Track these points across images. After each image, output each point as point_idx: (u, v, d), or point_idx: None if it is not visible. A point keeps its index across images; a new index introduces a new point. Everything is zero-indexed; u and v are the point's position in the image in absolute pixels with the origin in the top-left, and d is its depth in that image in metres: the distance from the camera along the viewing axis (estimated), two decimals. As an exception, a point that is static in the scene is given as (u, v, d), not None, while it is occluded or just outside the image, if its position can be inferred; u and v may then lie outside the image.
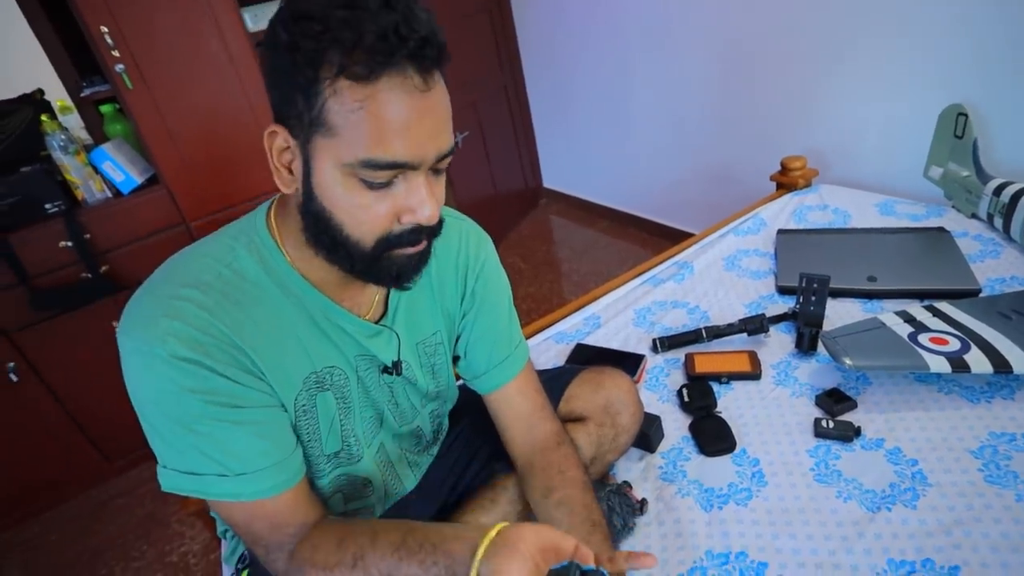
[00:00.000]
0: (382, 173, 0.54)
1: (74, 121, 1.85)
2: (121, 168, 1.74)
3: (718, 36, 2.01)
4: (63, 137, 1.64)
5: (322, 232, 0.58)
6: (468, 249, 0.79)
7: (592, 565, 0.54)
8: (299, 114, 0.53)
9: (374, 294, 0.71)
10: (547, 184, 3.28)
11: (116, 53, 1.60)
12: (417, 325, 0.76)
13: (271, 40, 0.53)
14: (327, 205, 0.56)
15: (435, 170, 0.58)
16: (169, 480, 0.60)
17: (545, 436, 0.83)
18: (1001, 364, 0.97)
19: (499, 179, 2.95)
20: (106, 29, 1.57)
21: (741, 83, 2.02)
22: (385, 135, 0.52)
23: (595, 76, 2.58)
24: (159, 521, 1.77)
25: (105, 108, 1.81)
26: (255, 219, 0.65)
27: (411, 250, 0.60)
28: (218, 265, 0.61)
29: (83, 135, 1.86)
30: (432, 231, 0.61)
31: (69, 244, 1.64)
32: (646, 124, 2.47)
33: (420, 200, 0.56)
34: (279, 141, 0.56)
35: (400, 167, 0.54)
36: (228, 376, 0.58)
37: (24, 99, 1.72)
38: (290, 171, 0.58)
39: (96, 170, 1.72)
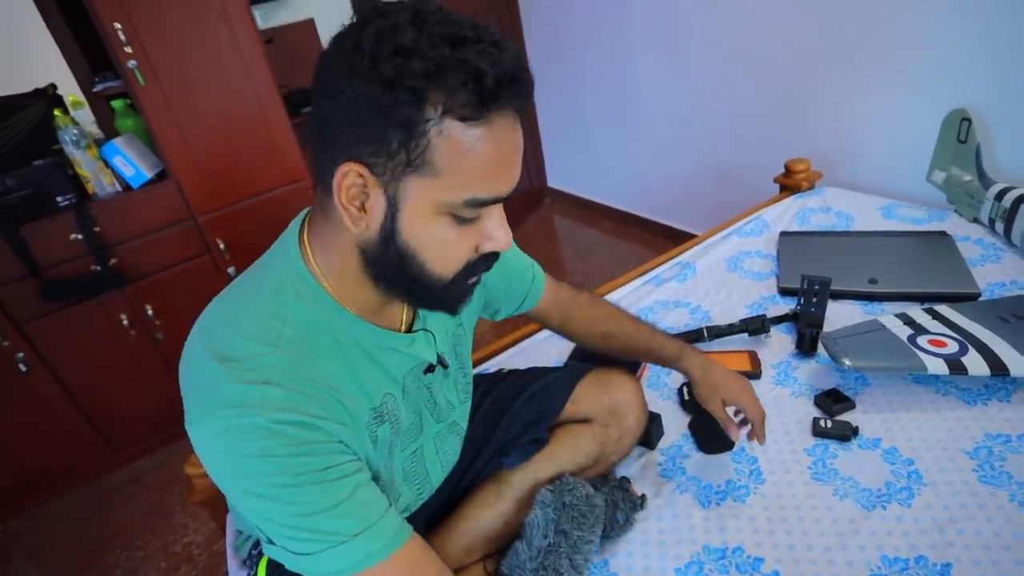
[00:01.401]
0: (480, 210, 0.54)
1: (85, 116, 1.87)
2: (131, 162, 1.76)
3: (724, 38, 2.02)
4: (75, 131, 1.66)
5: (400, 271, 0.57)
6: None
7: None
8: (391, 153, 0.50)
9: (403, 304, 0.70)
10: (551, 183, 3.29)
11: (129, 49, 1.62)
12: (442, 317, 0.77)
13: (356, 72, 0.49)
14: (412, 244, 0.55)
15: None
16: (281, 557, 0.57)
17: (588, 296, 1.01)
18: (998, 367, 0.98)
19: (504, 178, 2.96)
20: (119, 26, 1.59)
21: (746, 85, 2.03)
22: (493, 174, 0.52)
23: (600, 77, 2.59)
24: (163, 512, 1.79)
25: (116, 103, 1.83)
26: (290, 259, 0.61)
27: (478, 278, 0.61)
28: (276, 323, 0.57)
29: (94, 130, 1.89)
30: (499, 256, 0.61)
31: (79, 237, 1.67)
32: (651, 125, 2.48)
33: (502, 229, 0.57)
34: (350, 179, 0.52)
35: (498, 202, 0.55)
36: (325, 429, 0.55)
37: (37, 94, 1.75)
38: (361, 209, 0.54)
39: (107, 164, 1.74)
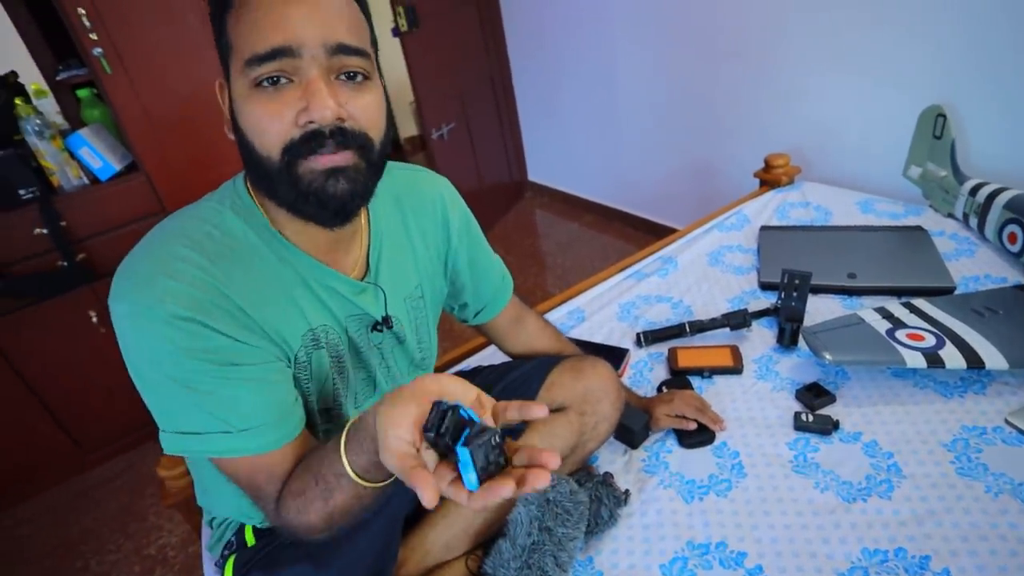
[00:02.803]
0: (267, 67, 0.54)
1: (49, 106, 1.80)
2: (99, 154, 1.70)
3: (705, 33, 2.02)
4: (38, 122, 1.60)
5: (249, 165, 0.60)
6: (446, 202, 0.84)
7: (479, 418, 0.49)
8: (224, 56, 0.58)
9: (356, 254, 0.72)
10: (532, 177, 3.28)
11: (94, 36, 1.56)
12: (402, 280, 0.78)
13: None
14: (244, 128, 0.58)
15: (348, 75, 0.57)
16: (171, 443, 0.61)
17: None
18: (974, 360, 0.99)
19: (484, 171, 2.95)
20: (83, 11, 1.53)
21: (727, 80, 2.04)
22: (261, 27, 0.54)
23: (581, 70, 2.58)
24: (136, 514, 1.74)
25: (82, 92, 1.76)
26: (235, 184, 0.67)
27: (320, 161, 0.56)
28: (207, 226, 0.62)
29: (59, 120, 1.81)
30: (344, 139, 0.57)
31: (44, 231, 1.61)
32: (632, 119, 2.48)
33: (311, 95, 0.55)
34: (218, 91, 0.62)
35: (280, 54, 0.54)
36: (227, 333, 0.59)
37: (-3, 81, 1.68)
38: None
39: (73, 156, 1.68)
